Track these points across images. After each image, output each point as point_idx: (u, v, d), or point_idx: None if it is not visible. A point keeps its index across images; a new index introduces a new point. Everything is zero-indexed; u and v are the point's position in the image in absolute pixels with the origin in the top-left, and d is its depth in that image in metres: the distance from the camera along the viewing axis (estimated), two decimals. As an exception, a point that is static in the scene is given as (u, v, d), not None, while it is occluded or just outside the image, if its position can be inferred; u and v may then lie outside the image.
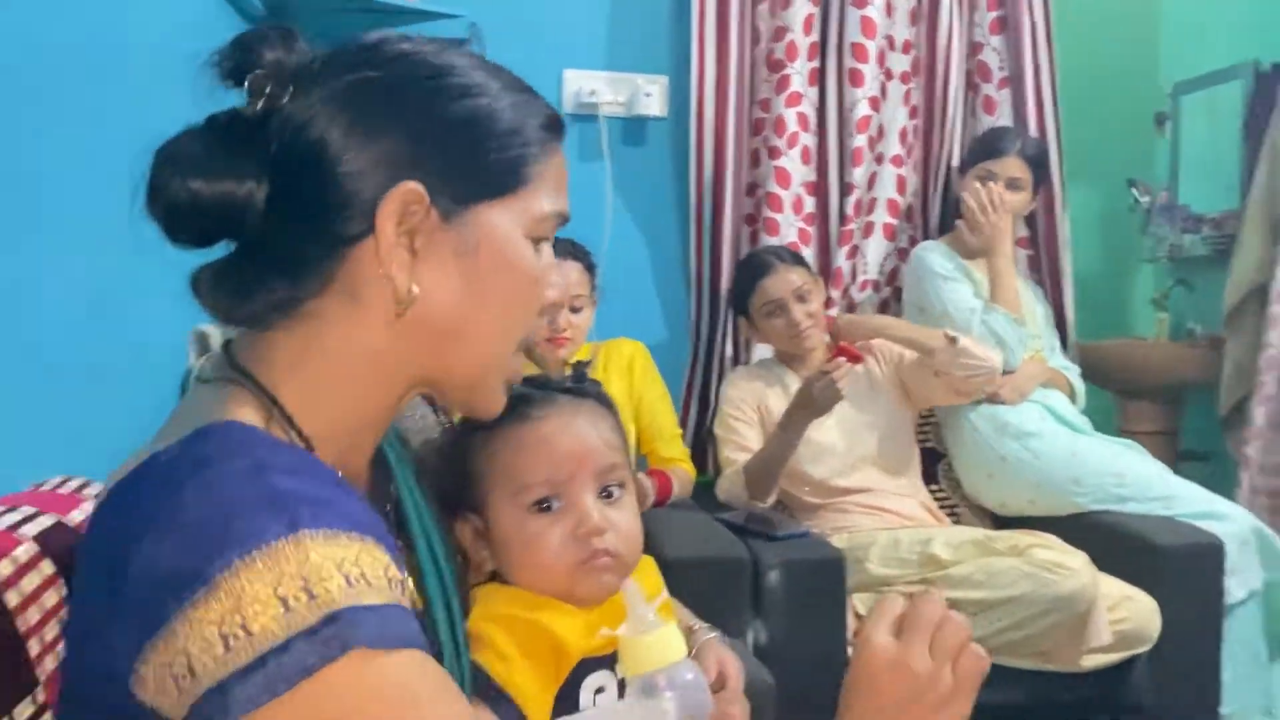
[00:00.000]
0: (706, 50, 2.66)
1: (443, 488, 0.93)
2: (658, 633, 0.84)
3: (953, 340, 2.24)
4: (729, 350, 2.73)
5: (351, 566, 0.61)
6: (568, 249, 2.17)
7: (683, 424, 2.65)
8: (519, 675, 0.84)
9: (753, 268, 2.44)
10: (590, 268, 2.25)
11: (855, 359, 2.19)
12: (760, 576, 1.97)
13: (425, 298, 0.72)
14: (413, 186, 0.70)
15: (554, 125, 0.78)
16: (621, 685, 0.88)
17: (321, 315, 0.72)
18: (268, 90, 0.69)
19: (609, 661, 0.88)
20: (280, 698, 0.58)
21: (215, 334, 1.95)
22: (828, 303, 2.57)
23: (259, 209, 0.69)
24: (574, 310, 2.18)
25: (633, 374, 2.35)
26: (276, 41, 0.71)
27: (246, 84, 0.70)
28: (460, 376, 0.77)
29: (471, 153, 0.73)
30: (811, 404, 2.17)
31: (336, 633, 0.59)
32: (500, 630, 0.86)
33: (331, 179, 0.69)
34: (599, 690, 0.88)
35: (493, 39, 2.90)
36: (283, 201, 0.70)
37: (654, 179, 2.80)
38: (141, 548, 0.61)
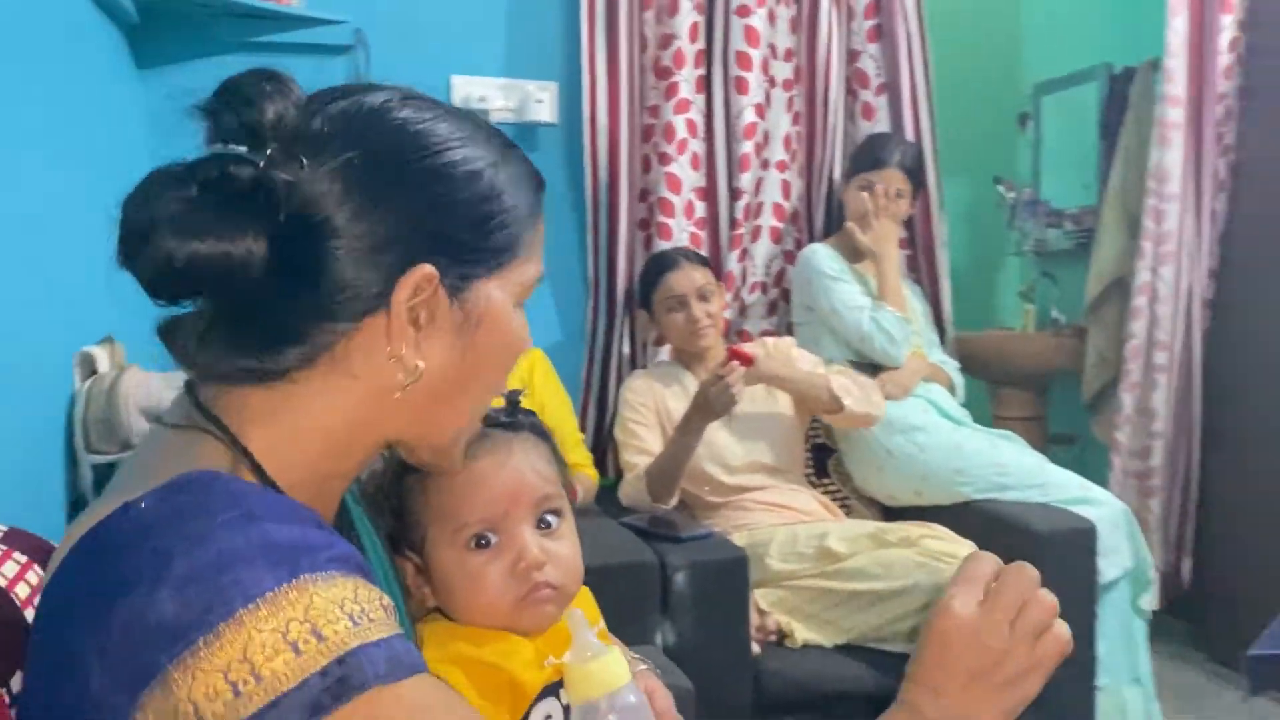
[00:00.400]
0: (596, 57, 2.67)
1: (385, 529, 0.93)
2: (601, 659, 0.86)
3: (839, 403, 2.35)
4: (626, 352, 2.77)
5: (353, 605, 0.62)
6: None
7: (581, 427, 2.67)
8: (485, 712, 0.85)
9: (659, 263, 2.50)
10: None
11: (747, 362, 2.26)
12: (667, 579, 2.01)
13: (425, 371, 0.73)
14: (428, 271, 0.70)
15: (541, 189, 0.79)
16: (568, 711, 0.90)
17: (306, 382, 0.72)
18: (270, 153, 0.68)
19: (556, 689, 0.90)
20: None
21: (103, 356, 1.89)
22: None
23: (254, 275, 0.67)
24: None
25: (533, 382, 2.36)
26: (275, 95, 0.70)
27: (262, 152, 0.68)
28: (436, 440, 0.79)
29: (478, 232, 0.74)
30: (708, 407, 2.22)
31: (350, 672, 0.60)
32: (459, 673, 0.86)
33: (337, 261, 0.69)
34: (548, 717, 0.90)
35: (380, 44, 2.85)
36: (281, 274, 0.68)
37: (547, 185, 2.80)
38: (130, 599, 0.61)
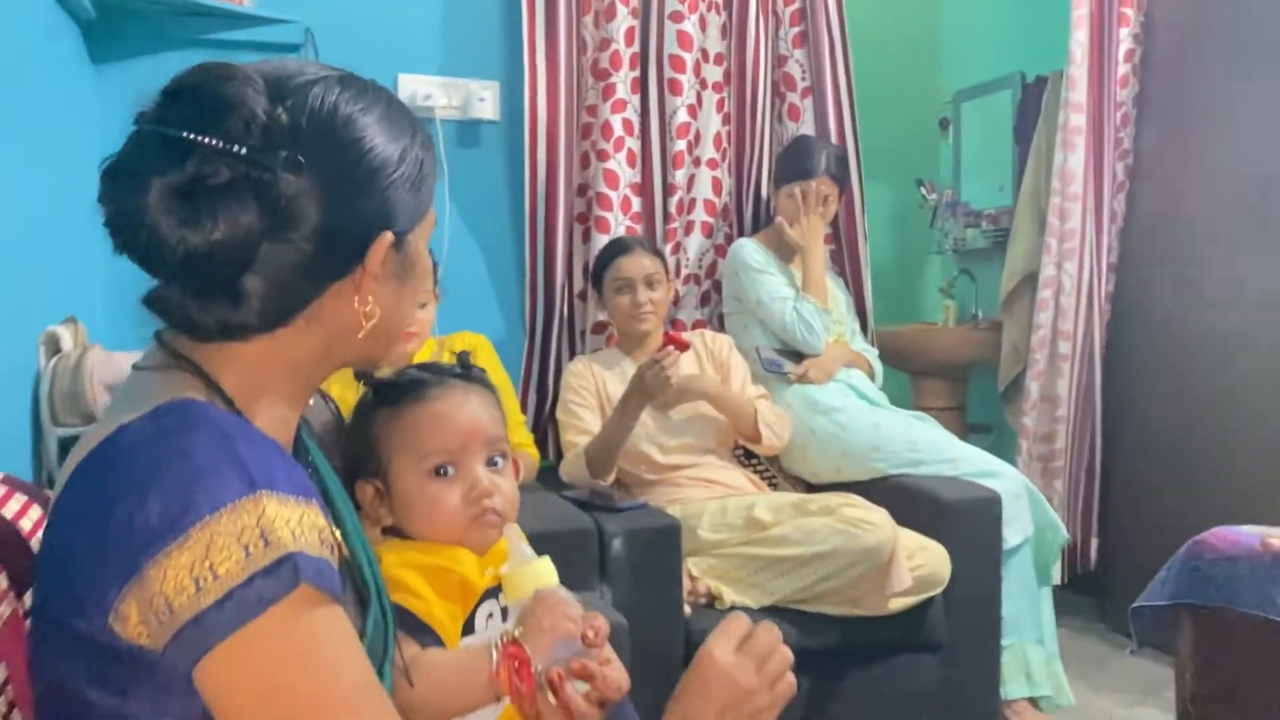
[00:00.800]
0: (537, 58, 2.79)
1: (346, 457, 1.07)
2: (531, 565, 1.03)
3: (759, 435, 2.57)
4: (564, 342, 2.91)
5: (296, 525, 0.75)
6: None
7: (522, 411, 2.79)
8: (437, 610, 1.00)
9: (615, 247, 2.66)
10: (433, 266, 2.37)
11: (683, 347, 2.41)
12: (605, 545, 2.14)
13: (379, 312, 0.87)
14: (390, 237, 0.85)
15: (433, 145, 0.93)
16: (505, 612, 1.06)
17: (281, 335, 0.85)
18: (255, 149, 0.78)
19: (495, 593, 1.07)
20: (245, 626, 0.71)
21: (66, 335, 1.98)
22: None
23: (248, 258, 0.79)
24: (420, 306, 2.30)
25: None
26: (252, 93, 0.79)
27: (245, 147, 0.77)
28: (378, 357, 0.93)
29: (413, 198, 0.88)
30: (644, 389, 2.37)
31: (287, 571, 0.73)
32: (416, 575, 1.02)
33: (315, 242, 0.81)
34: (490, 616, 1.05)
35: (328, 43, 2.96)
36: (268, 254, 0.80)
37: (489, 180, 2.92)
38: (124, 504, 0.73)
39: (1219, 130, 2.89)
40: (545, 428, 2.88)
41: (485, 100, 2.88)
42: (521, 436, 2.51)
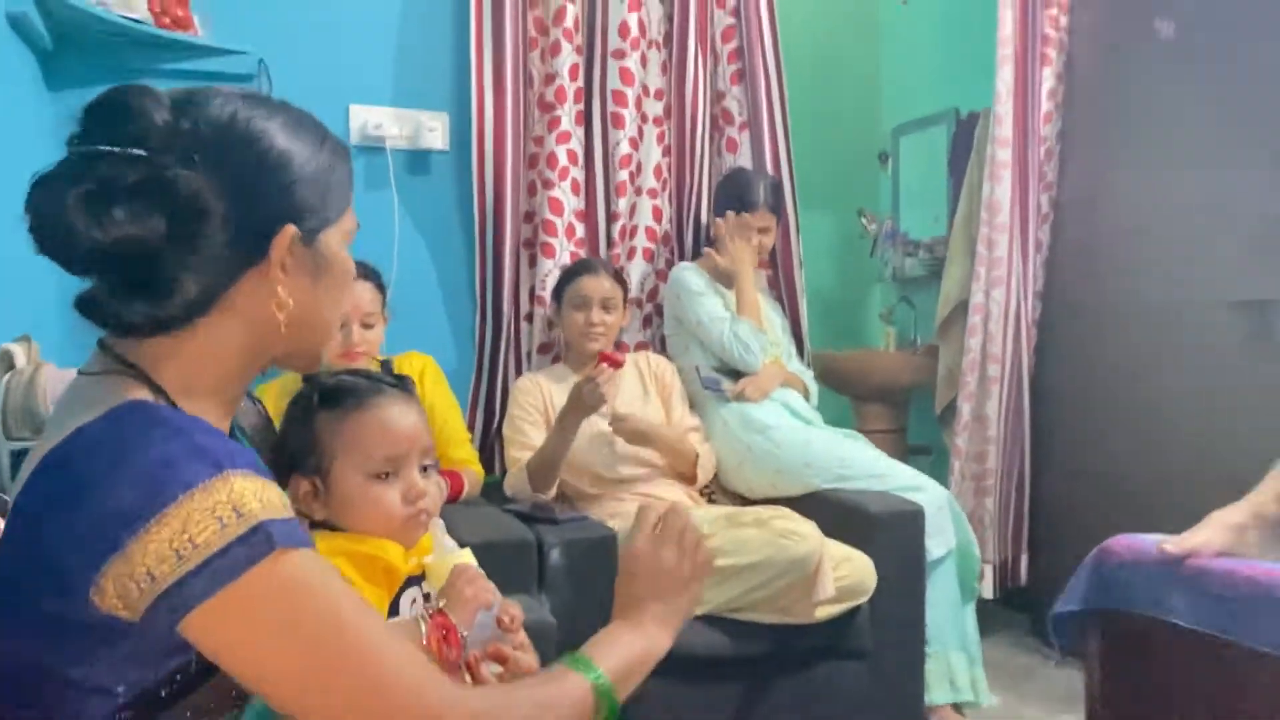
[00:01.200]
0: (485, 91, 2.90)
1: (283, 453, 1.17)
2: (454, 555, 1.14)
3: (695, 475, 2.71)
4: (511, 362, 3.00)
5: (262, 494, 0.84)
6: (361, 270, 2.36)
7: (470, 428, 2.88)
8: (365, 593, 1.10)
9: (580, 266, 2.79)
10: (381, 288, 2.46)
11: (616, 365, 2.51)
12: (544, 556, 2.23)
13: (294, 305, 0.95)
14: (293, 230, 0.93)
15: (349, 157, 1.03)
16: (428, 597, 1.16)
17: (204, 326, 0.93)
18: (158, 152, 0.87)
19: (418, 580, 1.17)
20: (224, 589, 0.80)
21: (20, 353, 2.05)
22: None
23: (157, 250, 0.87)
24: (367, 327, 2.38)
25: (424, 385, 2.55)
26: (155, 105, 0.88)
27: (149, 152, 0.86)
28: (305, 354, 1.02)
29: (321, 199, 0.97)
30: (581, 405, 2.47)
31: (261, 539, 0.81)
32: (345, 562, 1.12)
33: (220, 233, 0.90)
34: (414, 601, 1.15)
35: (281, 75, 3.05)
36: (177, 246, 0.88)
37: (438, 207, 3.02)
38: (95, 493, 0.81)
39: (1136, 165, 3.04)
40: (492, 445, 2.96)
41: (435, 130, 2.98)
42: (466, 453, 2.59)
